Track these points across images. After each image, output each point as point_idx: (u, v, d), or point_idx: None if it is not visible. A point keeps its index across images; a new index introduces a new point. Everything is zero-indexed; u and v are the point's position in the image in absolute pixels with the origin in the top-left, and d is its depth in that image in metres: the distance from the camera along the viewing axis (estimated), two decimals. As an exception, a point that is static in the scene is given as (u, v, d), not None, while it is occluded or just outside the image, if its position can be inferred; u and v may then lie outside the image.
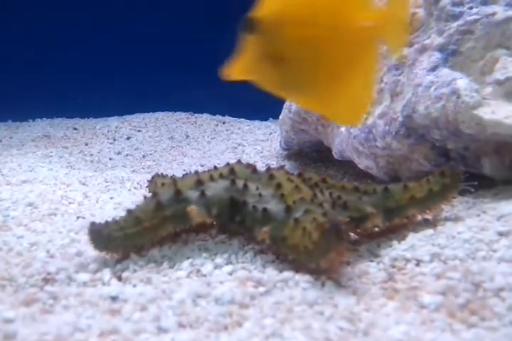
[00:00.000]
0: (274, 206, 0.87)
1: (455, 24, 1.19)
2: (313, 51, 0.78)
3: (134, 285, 0.80)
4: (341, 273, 0.80)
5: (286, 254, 0.82)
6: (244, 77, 0.84)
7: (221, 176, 0.97)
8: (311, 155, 2.28)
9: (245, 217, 0.89)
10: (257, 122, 3.07)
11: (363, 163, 1.53)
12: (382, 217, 0.95)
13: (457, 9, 1.20)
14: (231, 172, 0.98)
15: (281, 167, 1.05)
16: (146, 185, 2.01)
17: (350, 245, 0.89)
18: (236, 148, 2.55)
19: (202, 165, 2.38)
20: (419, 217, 1.01)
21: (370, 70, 0.86)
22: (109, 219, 0.90)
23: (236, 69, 0.82)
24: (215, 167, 1.03)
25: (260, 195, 0.91)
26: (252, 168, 1.00)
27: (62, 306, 0.72)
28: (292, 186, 0.92)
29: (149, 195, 1.02)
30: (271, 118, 3.16)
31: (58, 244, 0.98)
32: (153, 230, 0.88)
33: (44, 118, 3.40)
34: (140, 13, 3.43)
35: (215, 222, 0.98)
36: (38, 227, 1.12)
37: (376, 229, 0.98)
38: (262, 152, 2.42)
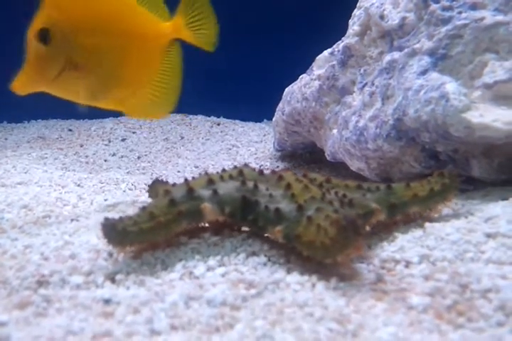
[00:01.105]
0: (285, 206, 0.89)
1: (444, 28, 1.21)
2: (107, 58, 0.83)
3: (128, 288, 0.80)
4: (354, 269, 0.81)
5: (300, 252, 0.83)
6: (32, 89, 0.88)
7: (231, 177, 0.99)
8: (305, 156, 2.29)
9: (258, 217, 0.91)
10: (251, 124, 3.08)
11: (354, 165, 1.55)
12: (386, 212, 0.98)
13: (446, 14, 1.22)
14: (240, 173, 1.00)
15: (287, 169, 1.07)
16: (140, 186, 2.03)
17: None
18: (230, 149, 2.56)
19: (196, 167, 2.39)
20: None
21: (168, 72, 1.00)
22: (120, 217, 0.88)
23: (22, 83, 0.85)
24: (224, 169, 1.05)
25: (271, 195, 0.92)
26: (260, 171, 1.02)
27: (55, 309, 0.73)
28: (301, 186, 0.94)
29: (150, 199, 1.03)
30: (265, 120, 3.18)
31: (52, 246, 0.99)
32: (168, 226, 0.89)
33: (39, 120, 3.40)
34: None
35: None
36: (33, 230, 1.13)
37: (367, 228, 1.00)
38: (256, 153, 2.44)
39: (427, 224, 0.97)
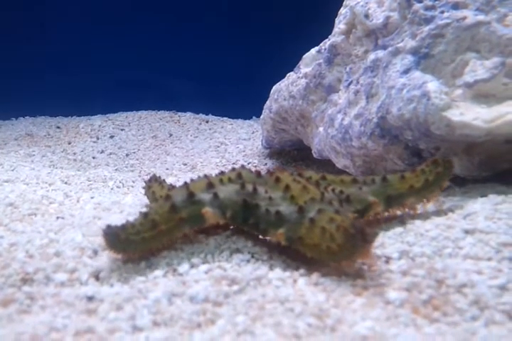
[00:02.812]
0: (285, 208, 0.89)
1: (427, 28, 1.22)
2: None
3: (112, 285, 0.81)
4: (357, 271, 0.82)
5: (304, 253, 0.84)
6: None
7: (230, 180, 0.98)
8: (292, 153, 2.31)
9: (259, 220, 0.91)
10: (240, 121, 3.09)
11: (340, 162, 1.56)
12: (383, 204, 1.00)
13: (429, 13, 1.24)
14: (238, 176, 1.00)
15: (283, 168, 1.07)
16: (128, 183, 2.03)
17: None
18: (219, 146, 2.57)
19: (185, 164, 2.39)
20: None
21: None
22: (123, 222, 0.88)
23: None
24: (222, 172, 1.05)
25: (270, 198, 0.92)
26: (257, 173, 1.02)
27: (39, 306, 0.73)
28: (300, 187, 0.94)
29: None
30: (254, 117, 3.19)
31: (37, 244, 0.99)
32: (170, 232, 0.89)
33: (27, 117, 3.38)
34: (124, 13, 3.41)
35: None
36: (18, 227, 1.13)
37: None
38: (244, 151, 2.45)
39: (408, 221, 0.99)
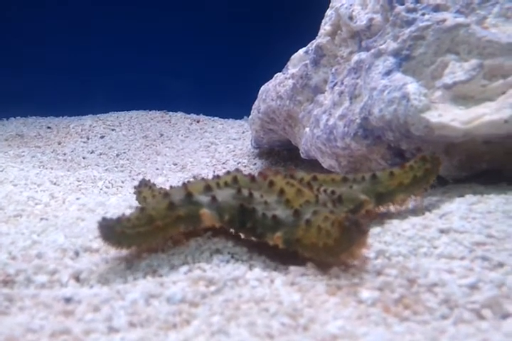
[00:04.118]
0: (281, 212, 0.90)
1: (408, 30, 1.24)
2: None
3: (91, 286, 0.82)
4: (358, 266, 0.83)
5: (302, 254, 0.85)
6: None
7: (226, 184, 0.99)
8: (282, 153, 2.32)
9: (256, 224, 0.92)
10: (230, 121, 3.10)
11: (326, 162, 1.58)
12: (374, 202, 1.02)
13: (411, 15, 1.25)
14: (234, 180, 1.00)
15: (276, 170, 1.08)
16: (117, 184, 2.03)
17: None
18: (209, 146, 2.58)
19: (175, 164, 2.41)
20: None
21: None
22: (120, 215, 0.87)
23: None
24: (218, 175, 1.05)
25: (266, 202, 0.93)
26: (251, 177, 1.02)
27: (17, 308, 0.74)
28: (294, 190, 0.95)
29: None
30: (245, 117, 3.20)
31: (20, 245, 1.00)
32: (165, 229, 0.89)
33: (18, 117, 3.38)
34: (113, 13, 3.41)
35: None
36: (3, 229, 1.14)
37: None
38: (234, 150, 2.46)
39: (386, 221, 1.01)
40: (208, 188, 0.97)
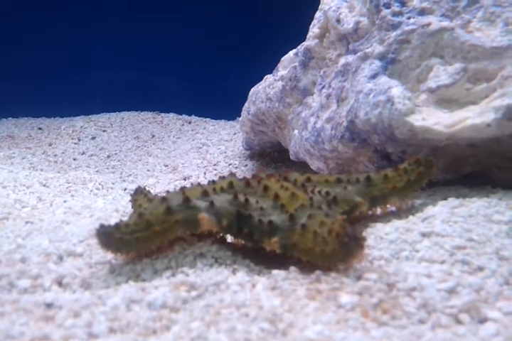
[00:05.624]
0: (277, 217, 0.91)
1: (394, 33, 1.24)
2: None
3: (74, 291, 0.82)
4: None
5: (299, 258, 0.86)
6: None
7: (222, 190, 1.00)
8: (273, 155, 2.33)
9: (253, 230, 0.92)
10: (222, 122, 3.10)
11: (314, 165, 1.58)
12: (368, 204, 1.03)
13: (397, 19, 1.26)
14: (230, 186, 1.01)
15: (272, 174, 1.08)
16: (108, 185, 2.03)
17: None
18: (200, 148, 2.58)
19: (166, 165, 2.40)
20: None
21: None
22: (117, 221, 0.88)
23: None
24: (213, 181, 1.05)
25: (262, 208, 0.94)
26: (246, 181, 1.03)
27: (-2, 313, 0.74)
28: (288, 194, 0.95)
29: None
30: (237, 118, 3.20)
31: (5, 249, 1.00)
32: (163, 234, 0.90)
33: (9, 118, 3.37)
34: (106, 14, 3.40)
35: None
36: (-12, 233, 1.13)
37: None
38: (225, 152, 2.46)
39: (370, 224, 1.01)
40: (204, 193, 0.98)
